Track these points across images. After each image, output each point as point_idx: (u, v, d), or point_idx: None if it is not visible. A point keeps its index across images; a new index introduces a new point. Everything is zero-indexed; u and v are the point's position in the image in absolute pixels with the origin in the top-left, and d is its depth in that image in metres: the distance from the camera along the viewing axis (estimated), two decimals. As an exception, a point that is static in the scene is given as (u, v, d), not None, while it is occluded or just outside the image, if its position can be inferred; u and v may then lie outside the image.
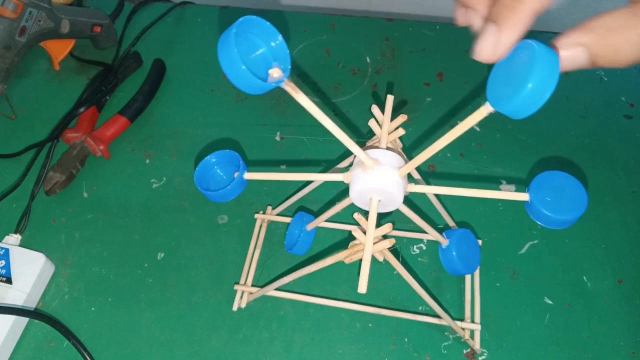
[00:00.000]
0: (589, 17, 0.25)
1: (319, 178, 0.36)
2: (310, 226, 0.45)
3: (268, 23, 0.28)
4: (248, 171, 0.36)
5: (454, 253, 0.44)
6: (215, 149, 0.58)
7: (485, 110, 0.27)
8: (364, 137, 0.58)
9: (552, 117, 0.60)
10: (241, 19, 0.27)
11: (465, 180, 0.56)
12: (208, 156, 0.38)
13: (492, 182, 0.55)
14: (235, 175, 0.36)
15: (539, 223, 0.32)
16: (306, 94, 0.62)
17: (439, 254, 0.46)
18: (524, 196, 0.32)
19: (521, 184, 0.55)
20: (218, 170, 0.38)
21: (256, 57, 0.28)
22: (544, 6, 0.24)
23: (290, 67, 0.28)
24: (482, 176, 0.56)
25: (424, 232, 0.50)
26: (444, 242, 0.45)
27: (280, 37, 0.28)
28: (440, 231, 0.45)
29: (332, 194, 0.54)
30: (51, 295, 0.50)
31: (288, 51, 0.29)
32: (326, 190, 0.54)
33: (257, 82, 0.27)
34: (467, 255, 0.45)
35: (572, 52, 0.25)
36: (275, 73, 0.28)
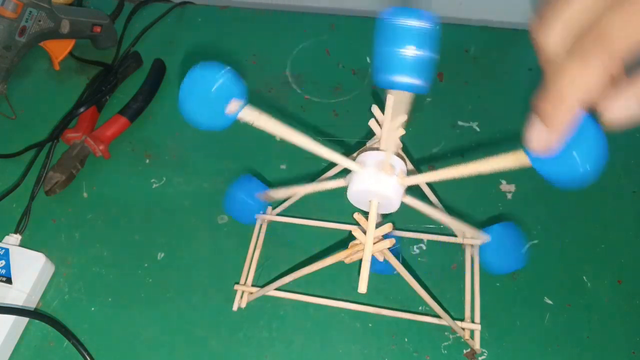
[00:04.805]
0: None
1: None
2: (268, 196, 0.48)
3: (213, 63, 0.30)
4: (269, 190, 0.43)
5: (493, 252, 0.43)
6: (215, 149, 0.59)
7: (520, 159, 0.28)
8: (364, 137, 0.58)
9: (552, 117, 0.60)
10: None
11: (465, 179, 0.55)
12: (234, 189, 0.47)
13: (492, 181, 0.55)
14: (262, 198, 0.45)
15: None
16: (306, 93, 0.62)
17: (479, 252, 0.45)
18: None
19: (521, 184, 0.55)
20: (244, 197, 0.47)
21: (212, 96, 0.30)
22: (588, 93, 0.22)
23: (245, 96, 0.30)
24: (482, 176, 0.55)
25: (424, 232, 0.50)
26: (483, 239, 0.44)
27: (226, 68, 0.30)
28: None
29: (332, 195, 0.54)
30: (51, 295, 0.50)
31: (241, 80, 0.30)
32: (326, 191, 0.53)
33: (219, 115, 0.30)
34: (509, 251, 0.44)
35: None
36: (233, 104, 0.29)
